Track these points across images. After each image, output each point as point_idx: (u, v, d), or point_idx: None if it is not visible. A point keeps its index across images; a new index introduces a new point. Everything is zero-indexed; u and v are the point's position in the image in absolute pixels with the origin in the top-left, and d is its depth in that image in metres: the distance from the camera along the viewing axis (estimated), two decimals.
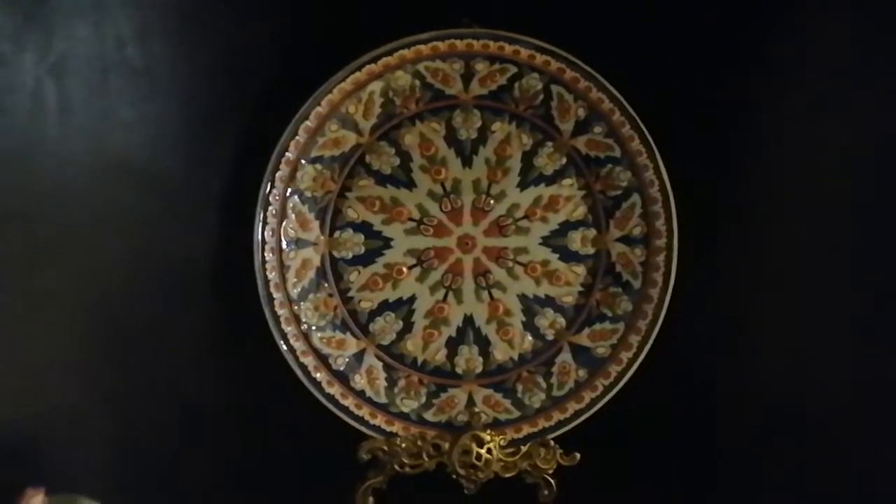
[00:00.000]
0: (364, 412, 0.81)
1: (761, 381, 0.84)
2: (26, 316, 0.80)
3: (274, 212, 0.80)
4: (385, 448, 0.80)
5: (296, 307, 0.81)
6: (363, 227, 0.82)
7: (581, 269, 0.83)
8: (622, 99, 0.80)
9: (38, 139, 0.79)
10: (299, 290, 0.81)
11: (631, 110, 0.80)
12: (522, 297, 0.83)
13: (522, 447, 0.81)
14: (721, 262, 0.83)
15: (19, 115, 0.78)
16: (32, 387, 0.81)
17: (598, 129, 0.81)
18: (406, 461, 0.80)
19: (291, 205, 0.81)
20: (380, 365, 0.83)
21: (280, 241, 0.81)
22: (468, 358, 0.83)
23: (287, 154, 0.80)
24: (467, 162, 0.82)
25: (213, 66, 0.81)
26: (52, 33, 0.77)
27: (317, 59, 0.80)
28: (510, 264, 0.83)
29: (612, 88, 0.80)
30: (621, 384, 0.81)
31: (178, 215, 0.82)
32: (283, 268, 0.81)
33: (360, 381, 0.82)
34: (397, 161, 0.82)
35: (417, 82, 0.81)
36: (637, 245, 0.82)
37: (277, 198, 0.80)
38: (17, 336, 0.80)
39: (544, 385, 0.82)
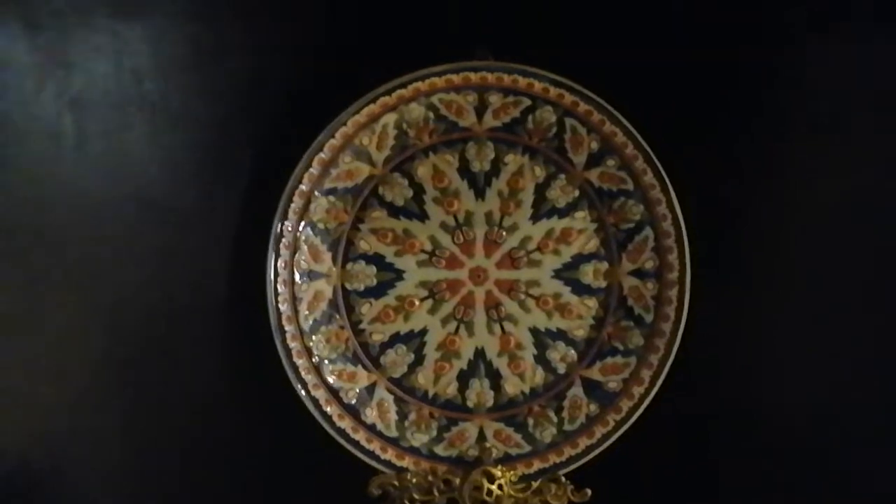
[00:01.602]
0: (375, 446, 0.81)
1: (775, 416, 0.84)
2: (38, 348, 0.80)
3: (287, 243, 0.80)
4: (395, 483, 0.80)
5: (308, 340, 0.81)
6: (375, 259, 0.82)
7: (593, 303, 0.83)
8: (635, 132, 0.80)
9: (55, 172, 0.80)
10: (311, 322, 0.81)
11: (644, 144, 0.80)
12: (534, 331, 0.82)
13: (533, 483, 0.80)
14: (734, 296, 0.83)
15: (38, 148, 0.79)
16: (43, 416, 0.81)
17: (611, 162, 0.81)
18: (416, 496, 0.80)
19: (304, 237, 0.81)
20: (391, 398, 0.82)
21: (293, 272, 0.81)
22: (479, 391, 0.82)
23: (301, 186, 0.80)
24: (480, 194, 0.82)
25: (228, 99, 0.81)
26: (71, 69, 0.78)
27: (331, 90, 0.80)
28: (522, 297, 0.82)
29: (625, 122, 0.80)
30: (633, 419, 0.80)
31: (192, 246, 0.82)
32: (295, 300, 0.81)
33: (370, 414, 0.82)
34: (410, 193, 0.82)
35: (431, 114, 0.81)
36: (649, 279, 0.81)
37: (290, 230, 0.80)
38: (30, 365, 0.80)
39: (555, 419, 0.82)
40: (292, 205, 0.80)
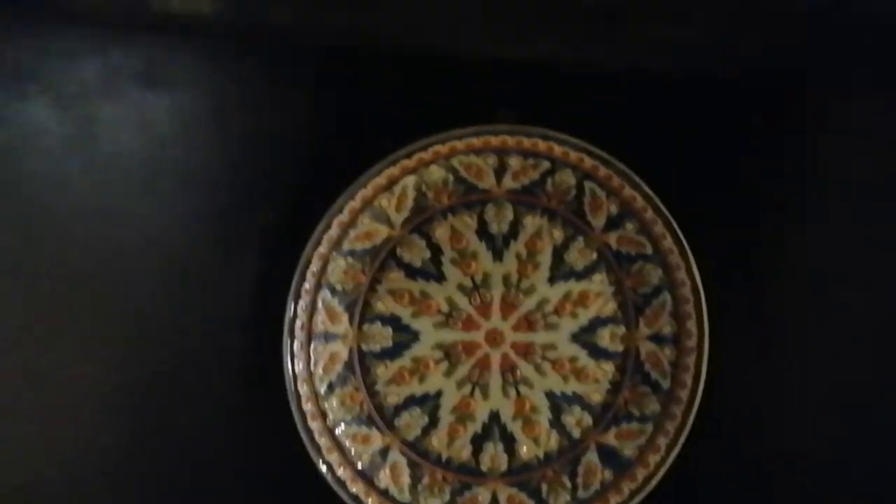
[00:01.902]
0: None
1: (795, 486, 0.82)
2: (49, 396, 0.81)
3: (304, 305, 0.81)
4: None
5: (323, 403, 0.81)
6: (392, 321, 0.82)
7: (609, 367, 0.82)
8: (654, 197, 0.80)
9: (80, 231, 0.81)
10: (326, 384, 0.81)
11: (663, 208, 0.80)
12: (549, 394, 0.82)
13: None
14: (753, 364, 0.82)
15: (65, 210, 0.81)
16: (46, 469, 0.82)
17: (630, 226, 0.81)
18: None
19: (321, 298, 0.81)
20: (404, 461, 0.82)
21: (309, 334, 0.81)
22: (493, 455, 0.82)
23: (320, 248, 0.80)
24: (498, 256, 0.82)
25: (249, 161, 0.83)
26: (97, 139, 0.80)
27: (351, 154, 0.81)
28: (538, 360, 0.82)
29: (644, 186, 0.80)
30: (648, 489, 0.79)
31: (209, 308, 0.82)
32: (310, 361, 0.81)
33: (384, 478, 0.81)
34: (428, 254, 0.82)
35: (451, 176, 0.81)
36: (667, 344, 0.81)
37: (308, 291, 0.81)
38: (40, 412, 0.81)
39: (570, 485, 0.81)
40: (311, 266, 0.80)
